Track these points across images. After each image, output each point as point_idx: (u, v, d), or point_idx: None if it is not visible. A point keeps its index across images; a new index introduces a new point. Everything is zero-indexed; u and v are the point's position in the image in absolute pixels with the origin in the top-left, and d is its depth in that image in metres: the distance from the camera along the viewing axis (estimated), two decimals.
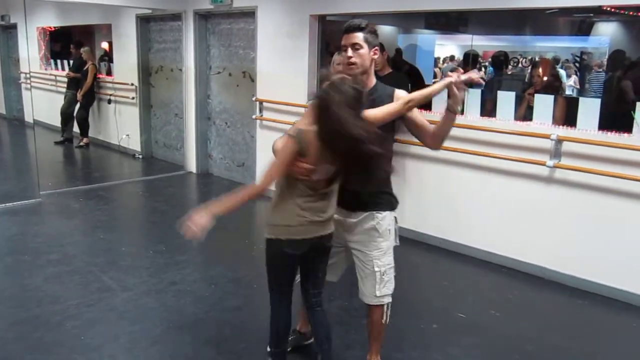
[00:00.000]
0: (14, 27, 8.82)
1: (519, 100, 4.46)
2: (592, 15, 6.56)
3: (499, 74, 5.70)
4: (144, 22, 7.68)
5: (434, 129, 2.47)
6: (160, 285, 3.86)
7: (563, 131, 3.97)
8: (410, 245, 4.58)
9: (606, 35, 6.76)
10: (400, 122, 2.50)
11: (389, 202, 2.58)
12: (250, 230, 5.27)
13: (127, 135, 8.21)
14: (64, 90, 9.03)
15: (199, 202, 6.67)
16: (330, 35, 5.84)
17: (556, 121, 4.14)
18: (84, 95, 8.55)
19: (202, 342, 3.14)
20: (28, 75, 8.01)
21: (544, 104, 4.12)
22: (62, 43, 9.99)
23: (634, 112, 3.69)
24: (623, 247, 3.76)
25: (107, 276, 3.95)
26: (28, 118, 8.10)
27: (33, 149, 6.10)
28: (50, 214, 5.61)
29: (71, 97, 8.78)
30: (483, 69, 7.32)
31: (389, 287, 2.62)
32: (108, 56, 9.11)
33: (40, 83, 9.64)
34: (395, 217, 2.62)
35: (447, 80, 2.31)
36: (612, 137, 3.76)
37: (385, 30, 7.84)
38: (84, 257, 4.34)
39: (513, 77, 5.92)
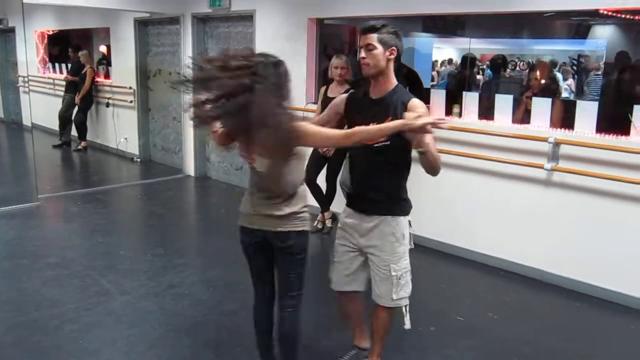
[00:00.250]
0: (12, 30, 8.80)
1: (516, 103, 4.47)
2: (588, 18, 6.59)
3: (497, 77, 5.71)
4: (142, 25, 7.69)
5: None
6: (159, 288, 3.85)
7: (561, 134, 3.98)
8: None
9: (603, 38, 6.78)
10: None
11: (403, 207, 2.58)
12: None
13: (126, 138, 8.21)
14: (62, 93, 9.03)
15: (198, 205, 6.69)
16: (328, 39, 5.86)
17: (554, 124, 4.15)
18: (82, 98, 8.56)
19: (201, 345, 3.14)
20: (26, 79, 8.02)
21: (541, 106, 4.14)
22: (61, 46, 10.01)
23: (631, 114, 3.70)
24: (621, 249, 3.76)
25: (106, 280, 3.95)
26: (26, 122, 8.09)
27: (31, 153, 6.10)
28: (48, 217, 5.61)
29: (69, 100, 8.78)
30: (481, 72, 7.34)
31: (406, 290, 2.62)
32: (106, 59, 9.13)
33: (39, 86, 9.64)
34: (410, 221, 2.61)
35: (399, 122, 2.19)
36: (609, 139, 3.77)
37: None
38: (82, 260, 4.33)
39: (511, 80, 5.93)
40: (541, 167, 4.03)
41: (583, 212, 3.94)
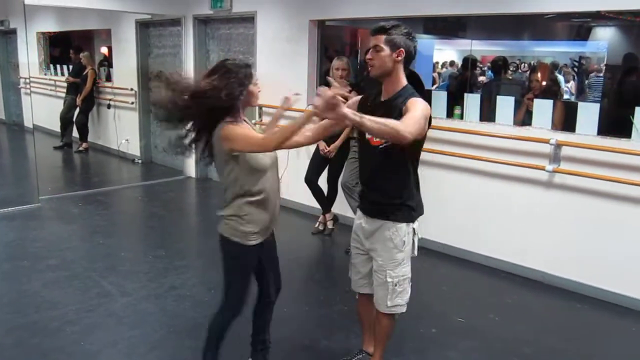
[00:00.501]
0: (13, 32, 8.83)
1: (517, 105, 4.46)
2: (589, 20, 6.58)
3: (498, 78, 5.71)
4: (144, 27, 7.70)
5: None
6: (160, 290, 3.85)
7: (562, 136, 3.98)
8: None
9: (604, 40, 6.77)
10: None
11: (407, 214, 2.53)
12: None
13: (127, 140, 8.22)
14: (63, 95, 9.04)
15: (198, 207, 6.68)
16: (330, 40, 5.86)
17: (555, 126, 4.15)
18: (84, 100, 8.57)
19: (202, 347, 3.12)
20: (27, 80, 8.02)
21: (543, 108, 4.13)
22: (62, 48, 10.01)
23: (633, 116, 3.70)
24: (622, 251, 3.76)
25: (107, 281, 3.94)
26: (27, 123, 8.11)
27: (32, 154, 6.10)
28: (49, 219, 5.60)
29: (71, 102, 8.79)
30: (483, 73, 7.32)
31: (403, 297, 2.58)
32: (107, 61, 9.13)
33: (40, 88, 9.65)
34: (414, 229, 2.56)
35: (309, 110, 2.17)
36: (611, 141, 3.76)
37: None
38: (83, 262, 4.33)
39: (511, 82, 5.92)
40: (542, 169, 4.02)
41: (584, 214, 3.93)
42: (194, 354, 3.05)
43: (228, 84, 2.29)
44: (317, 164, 4.95)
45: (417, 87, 5.43)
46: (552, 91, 5.30)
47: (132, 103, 7.96)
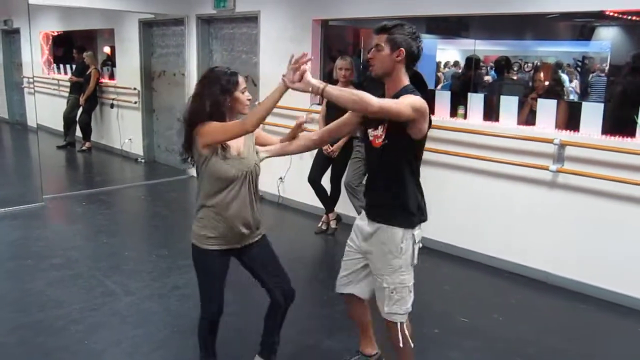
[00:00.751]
0: (16, 31, 8.83)
1: (521, 105, 4.46)
2: (593, 20, 6.57)
3: (501, 78, 5.71)
4: (147, 26, 7.71)
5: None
6: (164, 289, 3.86)
7: (566, 135, 3.97)
8: None
9: (607, 40, 6.76)
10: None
11: (406, 219, 2.43)
12: None
13: (130, 139, 8.23)
14: (66, 94, 9.06)
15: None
16: (333, 40, 5.86)
17: (559, 126, 4.14)
18: (87, 99, 8.58)
19: None
20: (31, 80, 8.03)
21: (547, 108, 4.13)
22: (65, 47, 10.03)
23: (637, 116, 3.69)
24: (626, 251, 3.75)
25: (110, 280, 3.95)
26: (30, 122, 8.11)
27: (36, 153, 6.11)
28: (53, 218, 5.62)
29: (74, 101, 8.80)
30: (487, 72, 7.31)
31: (401, 306, 2.46)
32: (111, 61, 9.14)
33: (43, 87, 9.67)
34: (414, 235, 2.44)
35: (281, 86, 2.28)
36: (615, 141, 3.76)
37: None
38: (87, 261, 4.34)
39: (515, 82, 5.92)
40: (546, 168, 4.02)
41: (588, 214, 3.93)
42: (197, 353, 3.06)
43: (211, 92, 2.38)
44: (320, 163, 4.95)
45: (420, 87, 5.44)
46: (556, 91, 5.29)
47: (135, 102, 7.97)
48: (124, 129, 8.33)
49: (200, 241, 2.48)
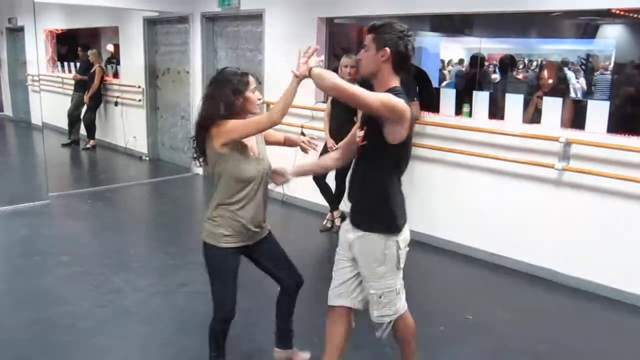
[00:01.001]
0: (21, 29, 8.86)
1: (526, 103, 4.46)
2: (597, 18, 6.56)
3: (505, 76, 5.71)
4: (151, 24, 7.72)
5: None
6: (171, 286, 3.88)
7: (572, 134, 3.97)
8: (418, 247, 4.58)
9: (612, 38, 6.75)
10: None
11: (386, 225, 2.34)
12: None
13: (134, 137, 8.25)
14: (70, 92, 9.08)
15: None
16: (337, 38, 5.86)
17: (564, 124, 4.14)
18: (91, 97, 8.61)
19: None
20: (35, 78, 8.05)
21: (552, 106, 4.13)
22: (69, 45, 10.05)
23: None
24: (632, 249, 3.76)
25: (118, 277, 3.97)
26: (35, 120, 8.14)
27: (41, 151, 6.14)
28: (59, 215, 5.64)
29: (78, 99, 8.83)
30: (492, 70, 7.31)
31: (390, 308, 2.42)
32: (115, 58, 9.16)
33: (47, 85, 9.69)
34: (398, 241, 2.34)
35: (294, 78, 2.37)
36: (621, 139, 3.76)
37: None
38: (94, 258, 4.37)
39: (519, 80, 5.92)
40: (552, 167, 4.03)
41: (594, 212, 3.93)
42: (204, 350, 3.06)
43: (223, 93, 2.40)
44: None
45: (424, 84, 5.44)
46: (561, 89, 5.29)
47: (140, 100, 7.99)
48: (128, 127, 8.35)
49: (216, 239, 2.50)
